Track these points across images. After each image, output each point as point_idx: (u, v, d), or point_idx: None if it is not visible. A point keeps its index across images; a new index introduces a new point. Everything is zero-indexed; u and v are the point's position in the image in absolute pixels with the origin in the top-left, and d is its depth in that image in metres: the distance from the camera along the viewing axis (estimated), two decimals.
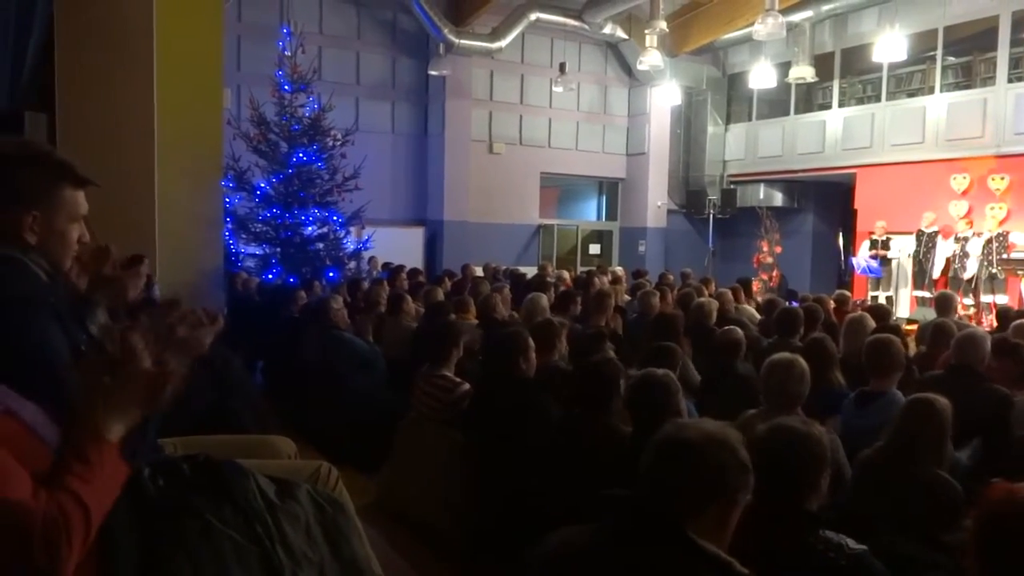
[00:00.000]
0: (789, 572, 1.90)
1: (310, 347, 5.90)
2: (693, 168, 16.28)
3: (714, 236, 15.36)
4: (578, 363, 3.78)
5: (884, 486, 2.73)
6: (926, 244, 11.80)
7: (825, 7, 13.21)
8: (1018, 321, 5.31)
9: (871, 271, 12.33)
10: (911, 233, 12.09)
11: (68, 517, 1.26)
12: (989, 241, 10.99)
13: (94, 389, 1.43)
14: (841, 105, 14.14)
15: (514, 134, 15.24)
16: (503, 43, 13.88)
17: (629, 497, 1.64)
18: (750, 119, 15.79)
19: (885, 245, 12.27)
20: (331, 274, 9.57)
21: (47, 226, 1.75)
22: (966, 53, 12.79)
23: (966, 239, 11.38)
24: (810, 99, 14.99)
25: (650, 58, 12.14)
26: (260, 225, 9.69)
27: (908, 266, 12.33)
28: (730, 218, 15.40)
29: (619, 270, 11.23)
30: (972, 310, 10.81)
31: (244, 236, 9.74)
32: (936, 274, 11.68)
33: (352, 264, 10.26)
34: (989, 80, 12.02)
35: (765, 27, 10.51)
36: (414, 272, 9.91)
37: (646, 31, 12.07)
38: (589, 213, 17.79)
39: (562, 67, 14.40)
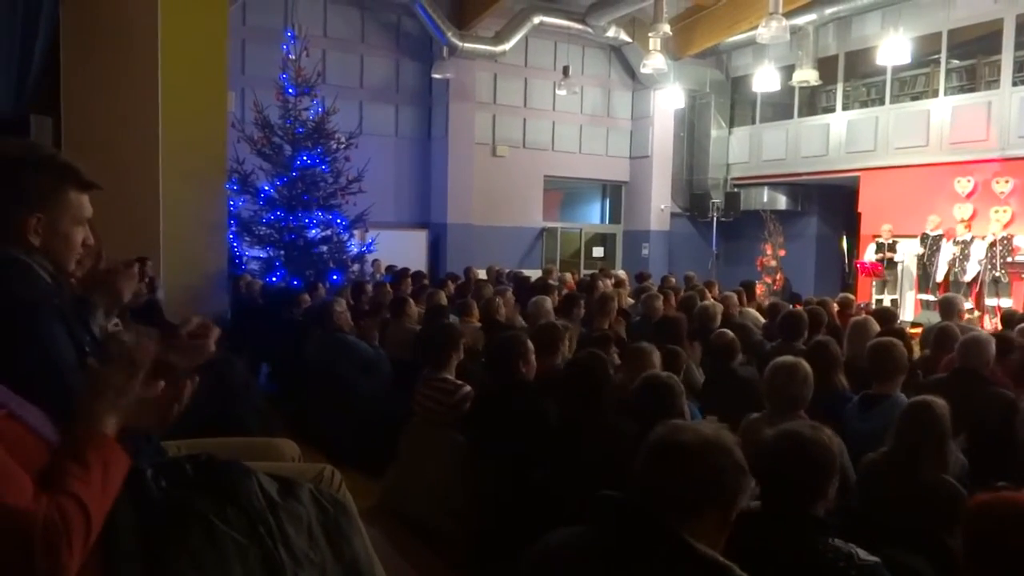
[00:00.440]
0: None
1: (314, 350, 5.91)
2: (696, 171, 16.28)
3: (717, 239, 15.35)
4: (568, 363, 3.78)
5: (889, 491, 2.72)
6: (931, 247, 11.78)
7: (829, 10, 13.21)
8: (1023, 324, 5.29)
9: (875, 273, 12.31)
10: (915, 236, 12.08)
11: (68, 520, 1.25)
12: (993, 244, 10.97)
13: (89, 387, 1.43)
14: (845, 108, 14.12)
15: (517, 137, 15.25)
16: (507, 46, 13.90)
17: (623, 499, 1.61)
18: (754, 122, 15.78)
19: (891, 248, 12.25)
20: (335, 277, 9.58)
21: (51, 228, 1.75)
22: (970, 56, 12.77)
23: (966, 242, 11.36)
24: (814, 102, 14.98)
25: (654, 61, 12.14)
26: (264, 228, 9.71)
27: (912, 269, 12.31)
28: (733, 221, 15.39)
29: (622, 273, 11.23)
30: (976, 313, 10.78)
31: (248, 239, 9.76)
32: (940, 277, 11.65)
33: (356, 267, 10.28)
34: (993, 83, 12.01)
35: (769, 30, 10.50)
36: (418, 275, 9.93)
37: (650, 34, 12.07)
38: (592, 216, 17.79)
39: (565, 70, 14.42)
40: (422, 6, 12.98)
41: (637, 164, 16.45)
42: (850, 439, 3.34)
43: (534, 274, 11.13)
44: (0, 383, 1.40)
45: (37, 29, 4.51)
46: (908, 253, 12.27)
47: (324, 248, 9.83)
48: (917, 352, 5.73)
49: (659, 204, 16.13)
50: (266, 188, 9.66)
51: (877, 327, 5.03)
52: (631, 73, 16.07)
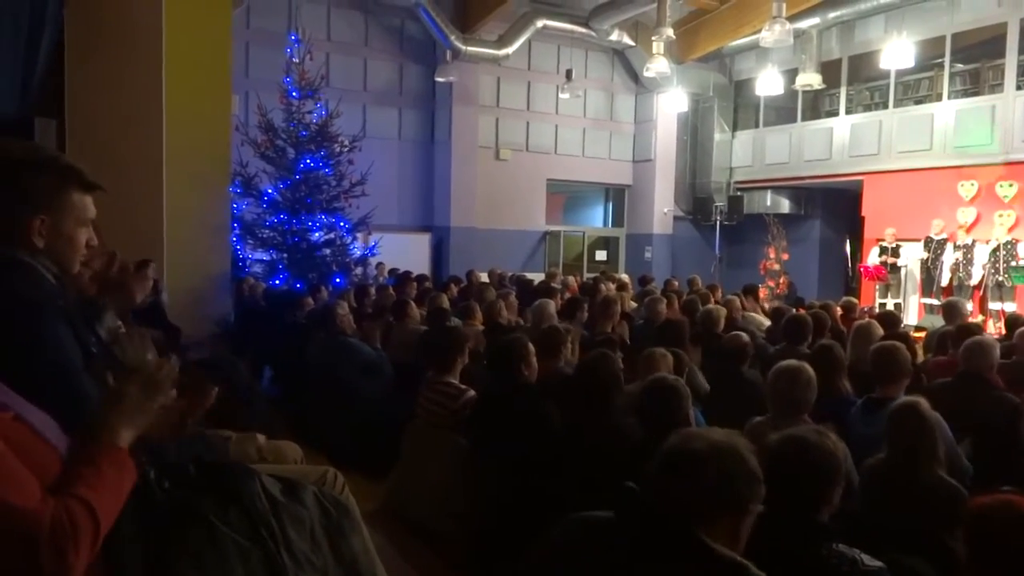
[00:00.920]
0: None
1: (316, 353, 5.91)
2: (700, 175, 16.27)
3: (720, 243, 15.33)
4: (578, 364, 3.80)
5: (890, 495, 2.72)
6: (935, 251, 11.76)
7: (832, 14, 13.20)
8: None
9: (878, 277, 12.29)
10: (918, 240, 12.06)
11: (76, 523, 1.26)
12: (996, 248, 10.95)
13: (109, 399, 1.45)
14: (848, 112, 14.12)
15: (520, 141, 15.26)
16: (510, 50, 13.92)
17: (641, 498, 1.62)
18: (757, 126, 15.78)
19: (895, 252, 12.23)
20: (338, 280, 9.59)
21: (55, 230, 1.76)
22: (974, 60, 12.75)
23: (967, 246, 11.35)
24: (817, 106, 14.97)
25: (657, 65, 12.14)
26: (267, 231, 9.72)
27: (916, 273, 12.28)
28: (737, 225, 15.38)
29: (625, 277, 11.22)
30: (980, 318, 10.75)
31: (251, 242, 9.77)
32: (944, 282, 11.63)
33: (359, 270, 10.28)
34: (997, 87, 11.99)
35: (772, 34, 10.50)
36: (421, 278, 9.93)
37: (653, 38, 12.07)
38: (595, 220, 17.79)
39: (568, 74, 14.43)
40: (425, 10, 12.99)
41: (640, 168, 16.45)
42: (853, 443, 3.34)
43: (537, 278, 11.14)
44: (5, 385, 1.41)
45: (42, 32, 4.52)
46: (912, 257, 12.25)
47: (327, 251, 9.83)
48: (921, 356, 5.73)
49: (662, 208, 16.13)
50: (269, 191, 9.68)
51: (880, 331, 5.02)
52: (634, 77, 16.08)
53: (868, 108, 14.12)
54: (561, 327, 4.71)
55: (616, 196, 17.16)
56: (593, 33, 14.37)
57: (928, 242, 11.87)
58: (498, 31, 13.87)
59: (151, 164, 6.67)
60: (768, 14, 10.75)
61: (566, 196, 17.47)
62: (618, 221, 17.14)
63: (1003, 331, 9.29)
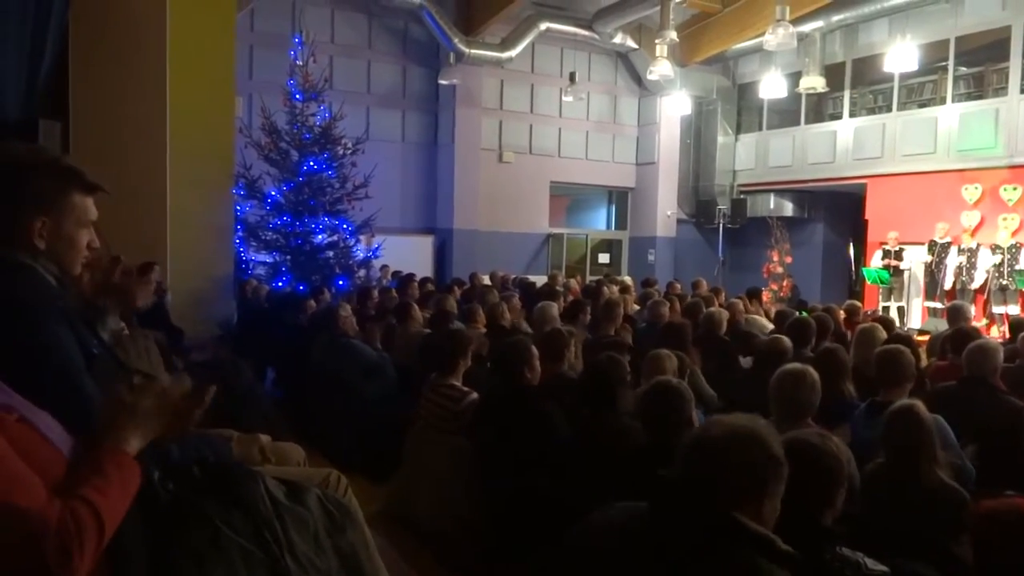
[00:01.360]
0: None
1: (319, 355, 5.91)
2: (703, 178, 16.27)
3: (724, 246, 15.32)
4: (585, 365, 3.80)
5: (892, 499, 2.71)
6: (939, 254, 11.74)
7: (836, 17, 13.19)
8: None
9: (882, 282, 12.27)
10: (922, 244, 12.04)
11: (82, 525, 1.27)
12: (1000, 252, 10.93)
13: (117, 404, 1.46)
14: (852, 115, 14.11)
15: (524, 143, 15.27)
16: (513, 53, 13.93)
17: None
18: (760, 129, 15.77)
19: (898, 255, 12.21)
20: (341, 282, 9.59)
21: (56, 231, 1.76)
22: (978, 63, 12.74)
23: (971, 250, 11.33)
24: (820, 109, 14.96)
25: (660, 68, 12.14)
26: (270, 233, 9.73)
27: (920, 276, 12.26)
28: (740, 228, 15.37)
29: (628, 280, 11.22)
30: (983, 321, 10.73)
31: (254, 244, 9.78)
32: (948, 285, 11.61)
33: (361, 272, 10.28)
34: (1001, 90, 11.98)
35: (775, 37, 10.51)
36: (424, 281, 9.93)
37: (656, 41, 12.08)
38: (598, 222, 17.79)
39: (572, 76, 14.44)
40: (429, 12, 13.01)
41: (643, 170, 16.45)
42: (857, 447, 3.33)
43: (540, 280, 11.14)
44: (8, 387, 1.41)
45: (46, 34, 4.53)
46: (915, 260, 12.24)
47: (330, 253, 9.84)
48: (924, 360, 5.71)
49: (665, 210, 16.12)
50: (273, 193, 9.69)
51: (884, 334, 5.01)
52: (637, 80, 16.08)
53: (872, 111, 14.11)
54: (564, 330, 4.71)
55: (619, 199, 17.16)
56: (596, 36, 14.38)
57: (932, 245, 11.85)
58: (501, 34, 13.88)
59: (155, 166, 6.69)
60: (771, 17, 10.75)
61: (569, 199, 17.47)
62: (621, 224, 17.13)
63: (1007, 335, 9.27)
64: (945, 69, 12.65)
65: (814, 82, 13.52)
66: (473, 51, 13.48)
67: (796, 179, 14.82)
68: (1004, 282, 10.83)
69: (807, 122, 14.80)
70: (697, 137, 16.30)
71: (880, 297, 12.50)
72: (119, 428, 1.44)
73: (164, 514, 1.53)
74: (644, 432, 3.02)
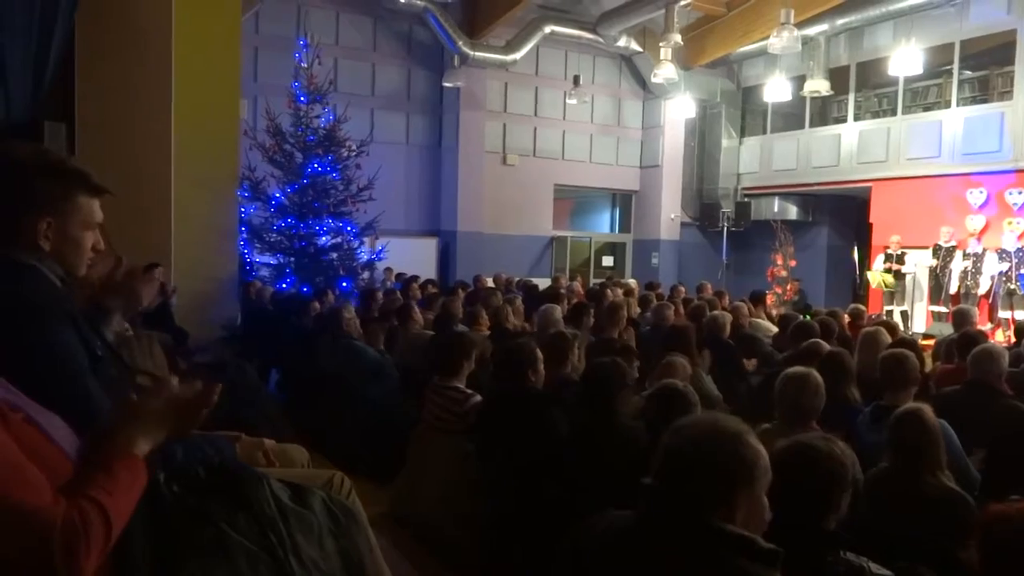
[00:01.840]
0: None
1: (323, 356, 5.92)
2: (707, 181, 16.26)
3: (728, 249, 15.31)
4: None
5: (896, 503, 2.70)
6: (944, 258, 11.71)
7: (840, 21, 13.19)
8: None
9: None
10: (927, 247, 12.01)
11: (89, 525, 1.27)
12: (1007, 258, 10.90)
13: (126, 407, 1.46)
14: (856, 119, 14.09)
15: (528, 146, 15.27)
16: (517, 55, 13.95)
17: (653, 487, 1.67)
18: (764, 132, 15.76)
19: (899, 259, 12.18)
20: (344, 284, 9.60)
21: (61, 233, 1.76)
22: (983, 67, 12.73)
23: (977, 255, 11.30)
24: (825, 112, 14.95)
25: (664, 71, 12.15)
26: (275, 235, 9.73)
27: (925, 280, 12.23)
28: (744, 231, 15.35)
29: (632, 282, 11.21)
30: (988, 326, 10.70)
31: (259, 246, 9.79)
32: (953, 289, 11.58)
33: (365, 274, 10.29)
34: (1006, 94, 11.96)
35: (780, 40, 10.52)
36: (427, 283, 9.93)
37: (661, 44, 12.09)
38: (602, 225, 17.78)
39: (576, 79, 14.44)
40: (434, 15, 13.04)
41: (647, 173, 16.44)
42: (861, 450, 3.32)
43: (543, 283, 11.13)
44: (14, 387, 1.41)
45: (53, 38, 4.55)
46: (920, 264, 12.21)
47: (334, 255, 9.84)
48: (929, 364, 5.70)
49: (669, 213, 16.11)
50: (277, 195, 9.70)
51: (888, 338, 5.01)
52: (642, 83, 16.09)
53: (876, 115, 14.10)
54: (568, 333, 4.70)
55: (623, 202, 17.16)
56: (601, 39, 14.38)
57: (937, 249, 11.82)
58: (506, 36, 13.90)
59: (160, 168, 6.69)
60: (776, 21, 10.77)
61: (573, 201, 17.48)
62: (625, 227, 17.13)
63: (1012, 339, 9.25)
64: (950, 73, 12.64)
65: (818, 85, 13.52)
66: (477, 54, 13.49)
67: (800, 182, 14.81)
68: (1012, 287, 10.80)
69: (811, 125, 14.79)
70: (701, 140, 16.30)
71: (883, 301, 12.47)
72: (128, 430, 1.45)
73: (169, 515, 1.53)
74: (648, 434, 3.01)
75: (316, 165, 9.62)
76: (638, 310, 8.04)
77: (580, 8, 14.39)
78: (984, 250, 11.29)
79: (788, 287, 13.96)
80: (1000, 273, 10.93)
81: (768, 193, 15.49)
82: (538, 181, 15.32)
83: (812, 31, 13.10)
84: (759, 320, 7.62)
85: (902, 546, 2.51)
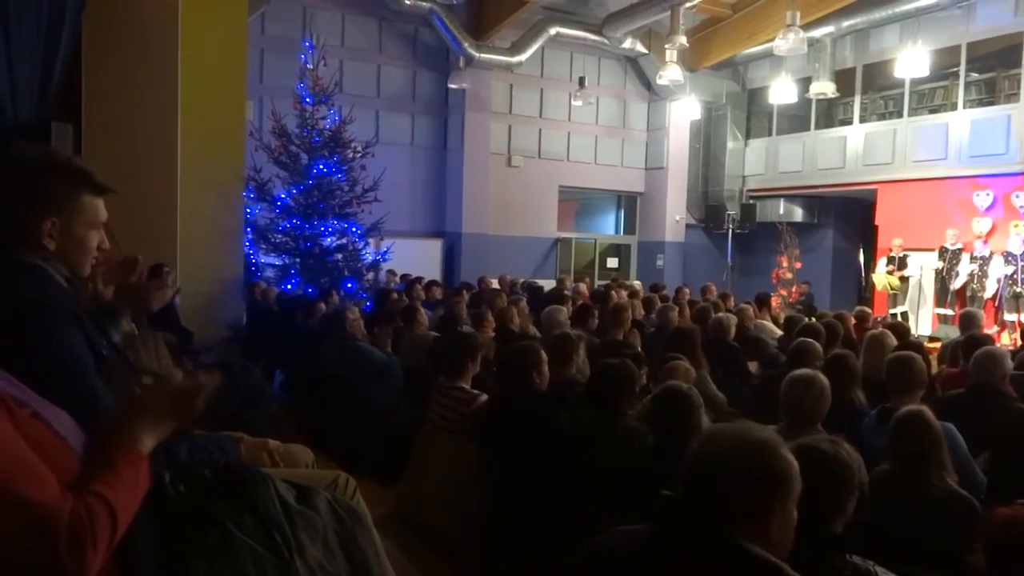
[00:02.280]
0: None
1: (328, 357, 5.92)
2: (712, 183, 16.24)
3: (733, 251, 15.28)
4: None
5: (900, 506, 2.69)
6: (950, 261, 11.68)
7: (846, 23, 13.17)
8: None
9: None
10: (933, 250, 11.97)
11: (95, 520, 1.27)
12: (1013, 262, 10.86)
13: (130, 404, 1.47)
14: (862, 121, 14.06)
15: (533, 147, 15.28)
16: (523, 57, 13.96)
17: (674, 502, 1.60)
18: (770, 134, 15.73)
19: (901, 263, 12.14)
20: (349, 285, 9.61)
21: (65, 232, 1.77)
22: (989, 69, 12.69)
23: (984, 258, 11.25)
24: (831, 114, 14.92)
25: (670, 73, 12.14)
26: (280, 236, 9.74)
27: (930, 283, 12.19)
28: (749, 233, 15.33)
29: (637, 284, 11.20)
30: (994, 329, 10.66)
31: (264, 246, 9.80)
32: (959, 290, 11.54)
33: (370, 275, 10.30)
34: (1013, 96, 11.92)
35: (786, 42, 10.49)
36: (431, 284, 9.93)
37: (666, 46, 12.07)
38: (607, 227, 17.77)
39: (581, 81, 14.44)
40: (439, 17, 13.05)
41: (652, 175, 16.43)
42: (867, 453, 3.31)
43: (548, 284, 11.12)
44: (21, 382, 1.42)
45: (60, 39, 4.56)
46: (925, 266, 12.17)
47: (339, 256, 9.85)
48: (935, 367, 5.68)
49: (674, 215, 16.10)
50: (282, 196, 9.71)
51: (894, 341, 4.99)
52: (647, 84, 16.08)
53: (882, 117, 14.06)
54: (572, 334, 4.70)
55: (628, 203, 17.15)
56: (606, 41, 14.38)
57: (943, 252, 11.78)
58: (511, 38, 13.91)
59: (166, 168, 6.70)
60: (782, 22, 10.74)
61: (578, 203, 17.47)
62: (630, 228, 17.11)
63: (1018, 342, 9.20)
64: (956, 75, 12.60)
65: (824, 87, 13.49)
66: (483, 55, 13.50)
67: (806, 184, 14.78)
68: (1018, 290, 10.76)
69: (817, 127, 14.76)
70: (706, 142, 16.28)
71: (888, 303, 12.44)
72: (132, 426, 1.45)
73: (174, 515, 1.53)
74: (653, 437, 3.01)
75: (321, 166, 9.63)
76: (643, 312, 8.02)
77: (585, 10, 14.39)
78: (991, 253, 11.24)
79: (794, 289, 13.92)
80: (1006, 276, 10.89)
81: (773, 195, 15.46)
82: (543, 182, 15.31)
83: (818, 33, 13.08)
84: (764, 322, 7.61)
85: (909, 550, 2.50)
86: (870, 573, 1.89)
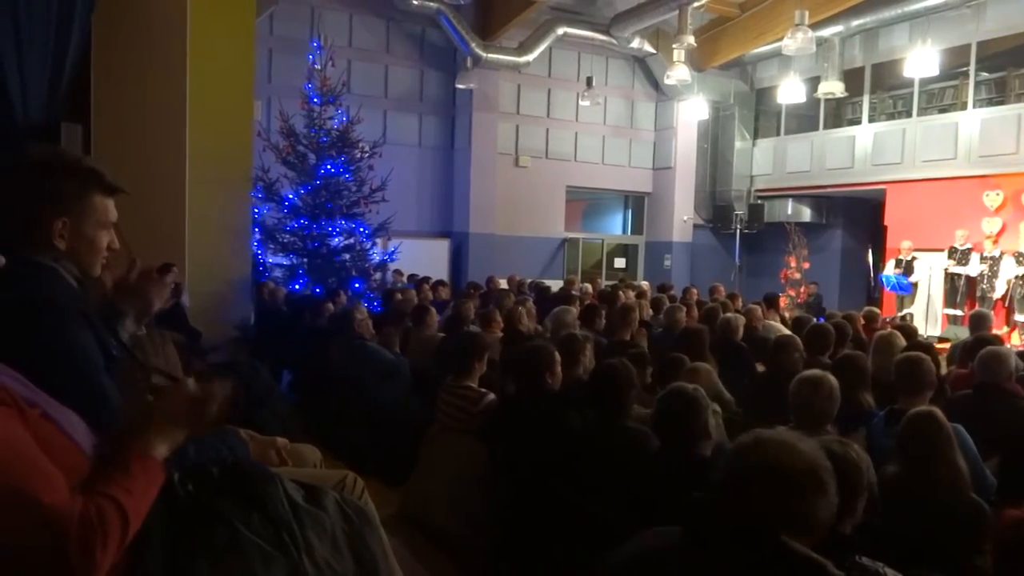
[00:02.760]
0: None
1: (336, 357, 5.93)
2: (720, 183, 16.20)
3: (740, 251, 15.24)
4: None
5: (909, 507, 2.68)
6: (959, 261, 11.61)
7: (855, 22, 13.11)
8: None
9: (901, 288, 12.14)
10: (942, 250, 11.91)
11: (106, 521, 1.28)
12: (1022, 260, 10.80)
13: (145, 411, 1.47)
14: (871, 120, 14.00)
15: (540, 147, 15.27)
16: (530, 57, 13.95)
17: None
18: (778, 134, 15.68)
19: (908, 266, 12.07)
20: (357, 285, 9.62)
21: (76, 232, 1.77)
22: (1000, 68, 12.61)
23: (994, 258, 11.19)
24: (839, 114, 14.86)
25: (677, 72, 12.11)
26: (288, 236, 9.77)
27: (940, 284, 12.12)
28: (757, 233, 15.28)
29: (644, 284, 11.18)
30: (1004, 329, 10.59)
31: (272, 246, 9.83)
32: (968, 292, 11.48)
33: (377, 275, 10.31)
34: (1023, 96, 11.84)
35: (794, 42, 10.46)
36: (437, 284, 9.94)
37: (674, 45, 12.05)
38: (615, 227, 17.75)
39: (589, 81, 14.42)
40: (447, 17, 13.06)
41: (660, 175, 16.40)
42: (876, 455, 3.29)
43: (555, 284, 11.11)
44: (32, 383, 1.42)
45: (69, 40, 4.58)
46: (934, 267, 12.10)
47: (347, 256, 9.86)
48: (944, 368, 5.65)
49: (682, 215, 16.07)
50: (290, 196, 9.73)
51: (903, 341, 4.97)
52: (655, 84, 16.05)
53: (891, 117, 14.00)
54: (579, 334, 4.70)
55: (636, 203, 17.12)
56: (614, 41, 14.36)
57: (952, 252, 11.72)
58: (519, 38, 13.90)
59: (174, 169, 6.73)
60: (790, 22, 10.71)
61: (585, 203, 17.46)
62: (637, 229, 17.09)
63: None
64: (966, 74, 12.53)
65: (833, 87, 13.43)
66: (490, 55, 13.50)
67: (814, 184, 14.73)
68: None
69: (826, 127, 14.70)
70: (714, 142, 16.24)
71: (897, 305, 12.38)
72: (147, 431, 1.46)
73: (183, 514, 1.54)
74: (658, 437, 3.00)
75: (329, 166, 9.65)
76: (650, 312, 8.01)
77: (593, 10, 14.38)
78: (1001, 253, 11.17)
79: (802, 290, 13.88)
80: (1017, 276, 10.82)
81: (782, 195, 15.41)
82: (550, 183, 15.31)
83: (827, 32, 13.03)
84: (772, 323, 7.58)
85: (918, 551, 2.49)
86: (879, 574, 1.88)
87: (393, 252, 10.44)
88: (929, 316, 12.25)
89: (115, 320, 2.11)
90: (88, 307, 1.83)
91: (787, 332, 7.03)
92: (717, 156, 16.21)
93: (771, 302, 8.33)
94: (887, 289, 12.57)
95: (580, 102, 14.73)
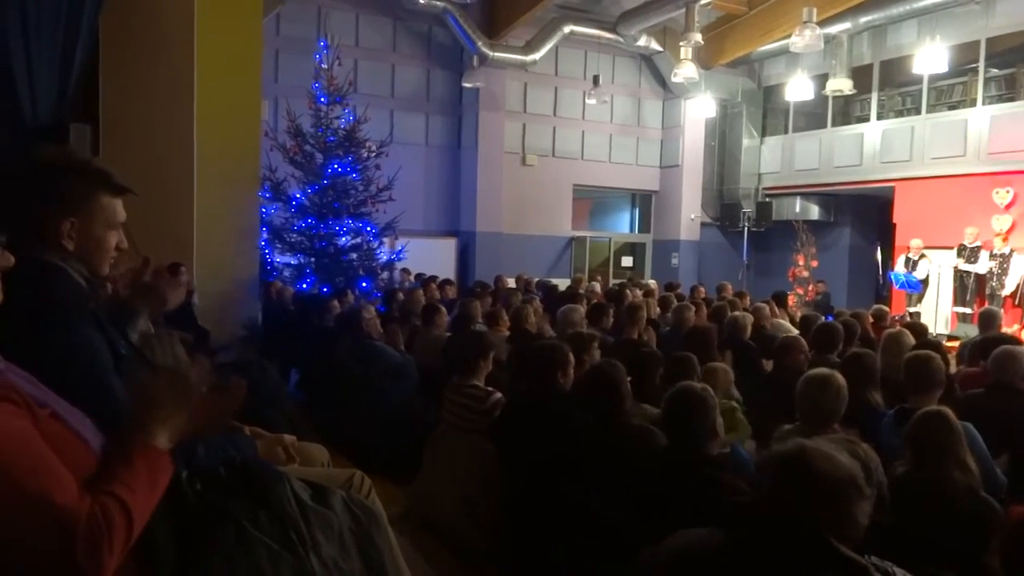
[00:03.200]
0: None
1: (343, 356, 5.94)
2: (728, 181, 16.16)
3: (748, 249, 15.20)
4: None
5: (919, 506, 2.66)
6: (968, 259, 11.55)
7: (864, 19, 13.05)
8: None
9: (910, 286, 12.08)
10: (951, 248, 11.84)
11: (112, 520, 1.28)
12: None
13: (145, 400, 1.47)
14: (879, 118, 13.93)
15: (547, 146, 15.26)
16: (537, 56, 13.94)
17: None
18: (786, 132, 15.63)
19: (915, 266, 12.01)
20: (364, 284, 9.64)
21: (84, 232, 1.78)
22: (1010, 65, 12.54)
23: (1004, 256, 11.12)
24: (848, 112, 14.80)
25: (685, 70, 12.09)
26: (295, 235, 9.80)
27: (948, 282, 12.05)
28: (765, 231, 15.24)
29: (652, 283, 11.16)
30: (1015, 327, 10.53)
31: (279, 246, 9.85)
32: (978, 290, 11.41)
33: (385, 274, 10.33)
34: None
35: (802, 39, 10.42)
36: (444, 283, 9.95)
37: (681, 43, 12.02)
38: (622, 225, 17.73)
39: (596, 79, 14.40)
40: (453, 16, 13.06)
41: (667, 173, 16.37)
42: (885, 454, 3.28)
43: (563, 283, 11.10)
44: (41, 383, 1.43)
45: (78, 41, 4.60)
46: (944, 265, 12.04)
47: (354, 255, 9.88)
48: (954, 366, 5.62)
49: (689, 214, 16.03)
50: (298, 196, 9.76)
51: (912, 340, 4.94)
52: (662, 82, 16.02)
53: (900, 114, 13.93)
54: (586, 333, 4.69)
55: (643, 202, 17.10)
56: (621, 39, 14.34)
57: (961, 249, 11.65)
58: (525, 37, 13.90)
59: (182, 169, 6.74)
60: (798, 19, 10.67)
61: (592, 202, 17.43)
62: (645, 227, 17.06)
63: None
64: (976, 71, 12.46)
65: (841, 84, 13.38)
66: (497, 54, 13.50)
67: (822, 182, 14.67)
68: None
69: (834, 125, 14.64)
70: (722, 140, 16.20)
71: (906, 302, 12.33)
72: (144, 421, 1.45)
73: (191, 513, 1.54)
74: (666, 436, 3.00)
75: (336, 166, 9.67)
76: (658, 311, 8.00)
77: (600, 8, 14.36)
78: (1011, 251, 11.11)
79: (811, 288, 13.83)
80: None
81: (790, 193, 15.35)
82: (557, 181, 15.30)
83: (835, 29, 12.97)
84: (781, 321, 7.56)
85: (927, 550, 2.48)
86: (888, 573, 1.87)
87: (400, 251, 10.45)
88: (939, 315, 12.18)
89: (127, 319, 2.12)
90: (97, 306, 1.83)
91: (794, 332, 7.02)
92: (725, 154, 16.17)
93: (780, 300, 8.31)
94: (896, 287, 12.51)
95: (587, 100, 14.70)
